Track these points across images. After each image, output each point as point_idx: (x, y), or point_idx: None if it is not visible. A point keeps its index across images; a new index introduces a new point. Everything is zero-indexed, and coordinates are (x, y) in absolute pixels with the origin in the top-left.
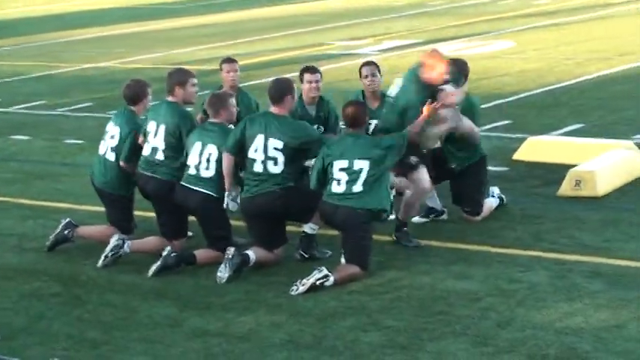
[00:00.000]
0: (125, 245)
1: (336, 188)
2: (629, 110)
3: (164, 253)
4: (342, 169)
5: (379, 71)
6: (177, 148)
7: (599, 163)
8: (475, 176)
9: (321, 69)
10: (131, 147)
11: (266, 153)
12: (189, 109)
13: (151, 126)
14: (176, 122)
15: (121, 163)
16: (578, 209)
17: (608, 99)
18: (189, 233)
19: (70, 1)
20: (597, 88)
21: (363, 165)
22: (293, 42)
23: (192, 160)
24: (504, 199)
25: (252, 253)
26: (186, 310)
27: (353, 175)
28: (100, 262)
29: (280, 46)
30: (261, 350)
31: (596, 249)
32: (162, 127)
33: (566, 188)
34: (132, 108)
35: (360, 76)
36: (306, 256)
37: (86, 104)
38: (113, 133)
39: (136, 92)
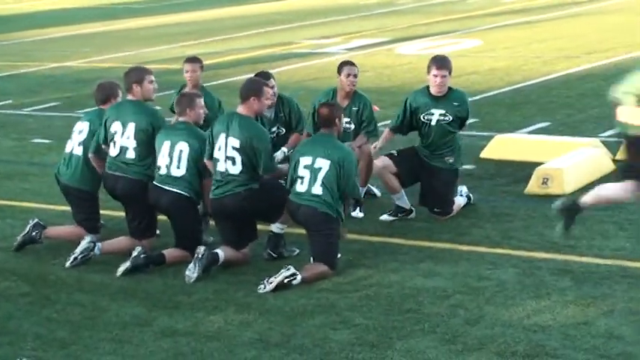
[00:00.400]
0: (96, 248)
1: (299, 187)
2: (595, 108)
3: (134, 254)
4: (305, 167)
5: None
6: (148, 145)
7: (567, 161)
8: (447, 176)
9: (290, 67)
10: (100, 139)
11: (226, 152)
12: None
13: (115, 126)
14: (148, 120)
15: (90, 155)
16: (546, 207)
17: (575, 97)
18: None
19: None
20: (565, 86)
21: (323, 164)
22: (262, 41)
23: (162, 160)
24: (472, 198)
25: (221, 252)
26: (154, 309)
27: (313, 172)
28: (69, 263)
29: (249, 45)
30: (230, 349)
31: (564, 246)
32: (132, 125)
33: (533, 186)
34: (102, 107)
35: (340, 74)
36: (275, 255)
37: (54, 104)
38: (81, 128)
39: (106, 94)
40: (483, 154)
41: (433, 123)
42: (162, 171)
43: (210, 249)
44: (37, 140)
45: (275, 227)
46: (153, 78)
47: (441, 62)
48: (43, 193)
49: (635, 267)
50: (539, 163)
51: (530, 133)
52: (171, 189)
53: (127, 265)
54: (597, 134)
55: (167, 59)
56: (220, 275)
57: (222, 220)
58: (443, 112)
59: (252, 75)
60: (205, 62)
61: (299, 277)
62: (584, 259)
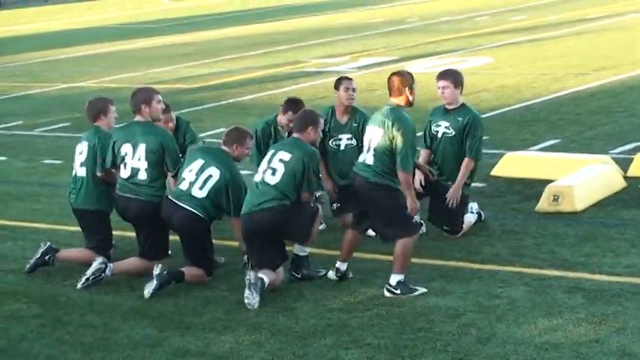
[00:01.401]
0: (107, 269)
1: (360, 157)
2: (605, 125)
3: (156, 272)
4: (366, 136)
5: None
6: (159, 165)
7: (577, 178)
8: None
9: (298, 87)
10: (103, 155)
11: (270, 163)
12: None
13: (125, 148)
14: (158, 140)
15: (98, 174)
16: (557, 224)
17: (584, 114)
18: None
19: (50, 21)
20: (574, 103)
21: (375, 133)
22: (269, 60)
23: (188, 174)
24: (482, 215)
25: (265, 277)
26: (166, 330)
27: (369, 142)
28: (80, 285)
29: (257, 65)
30: None
31: (575, 264)
32: (142, 147)
33: (544, 203)
34: (96, 124)
35: (338, 89)
36: (298, 276)
37: (64, 124)
38: (81, 149)
39: (97, 110)
40: (494, 172)
41: (439, 135)
42: (184, 186)
43: (255, 272)
44: (47, 161)
45: (298, 249)
46: (160, 98)
47: (441, 74)
48: (54, 213)
49: None
50: (549, 181)
51: (540, 150)
52: (185, 207)
53: (153, 284)
54: (608, 151)
55: (176, 79)
56: (231, 296)
57: (253, 238)
58: (447, 124)
59: (260, 93)
60: (212, 82)
61: None
62: (595, 276)
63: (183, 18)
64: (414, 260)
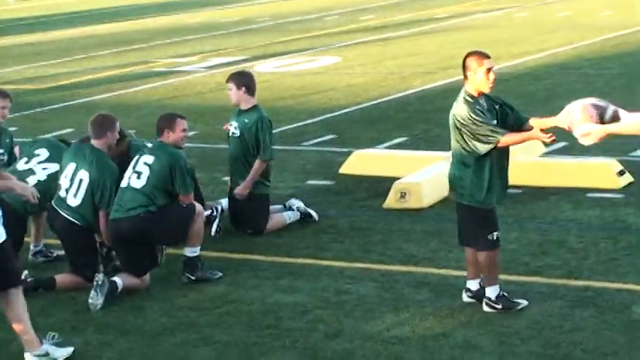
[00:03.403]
0: None
1: None
2: None
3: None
4: None
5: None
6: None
7: (424, 175)
8: (256, 199)
9: (148, 86)
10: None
11: (135, 167)
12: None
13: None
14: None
15: None
16: (404, 221)
17: (431, 112)
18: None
19: None
20: (421, 101)
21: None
22: (119, 60)
23: (63, 181)
24: (312, 215)
25: (119, 280)
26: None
27: None
28: None
29: (107, 64)
30: None
31: (422, 259)
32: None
33: (391, 200)
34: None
35: None
36: (193, 278)
37: None
38: None
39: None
40: (342, 170)
41: (230, 135)
42: (62, 193)
43: (109, 277)
44: None
45: (187, 250)
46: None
47: (229, 76)
48: None
49: None
50: (397, 178)
51: (388, 148)
52: (64, 215)
53: None
54: None
55: (25, 79)
56: (79, 297)
57: (120, 244)
58: (236, 125)
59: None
60: (62, 82)
61: None
62: (442, 271)
63: (31, 17)
64: (263, 258)
